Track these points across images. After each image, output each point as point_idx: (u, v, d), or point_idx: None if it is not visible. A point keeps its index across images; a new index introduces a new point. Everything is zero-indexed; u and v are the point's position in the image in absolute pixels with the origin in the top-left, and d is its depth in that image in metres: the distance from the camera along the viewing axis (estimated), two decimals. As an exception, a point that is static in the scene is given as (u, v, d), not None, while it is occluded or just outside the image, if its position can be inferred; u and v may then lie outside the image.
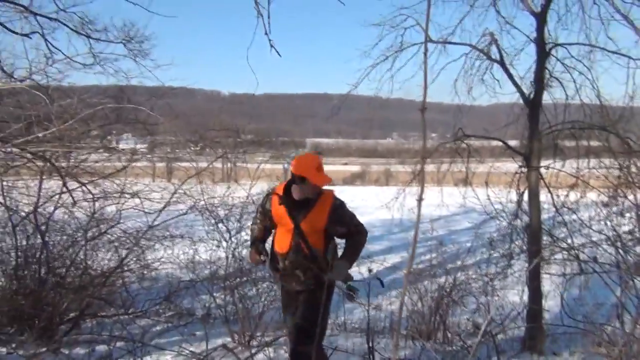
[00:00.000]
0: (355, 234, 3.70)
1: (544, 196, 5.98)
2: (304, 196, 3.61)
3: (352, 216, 3.70)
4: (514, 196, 6.35)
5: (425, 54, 1.67)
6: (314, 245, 3.61)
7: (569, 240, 6.00)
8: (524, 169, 5.90)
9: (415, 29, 6.22)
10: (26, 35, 7.13)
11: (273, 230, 3.87)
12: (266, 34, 2.53)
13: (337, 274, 3.53)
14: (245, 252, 5.98)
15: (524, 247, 6.24)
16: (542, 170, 5.90)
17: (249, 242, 4.36)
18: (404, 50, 6.34)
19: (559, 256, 5.93)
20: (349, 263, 3.63)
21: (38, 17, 7.28)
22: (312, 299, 3.64)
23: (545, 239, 5.94)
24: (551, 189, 6.09)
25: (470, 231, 8.53)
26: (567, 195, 6.08)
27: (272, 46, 2.61)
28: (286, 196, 3.65)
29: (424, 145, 2.02)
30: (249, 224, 4.43)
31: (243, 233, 5.69)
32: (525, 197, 5.98)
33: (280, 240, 3.72)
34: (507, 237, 6.39)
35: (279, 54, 2.70)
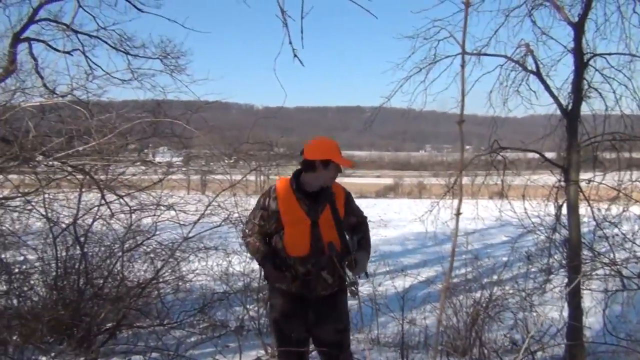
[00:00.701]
0: (363, 223, 3.52)
1: (583, 209, 5.82)
2: (321, 186, 3.29)
3: (358, 205, 3.56)
4: (551, 209, 6.21)
5: (462, 66, 1.65)
6: (333, 241, 3.28)
7: (611, 255, 5.81)
8: (562, 182, 5.77)
9: (449, 40, 6.19)
10: (68, 52, 7.42)
11: (277, 235, 3.35)
12: (290, 43, 2.56)
13: (361, 267, 3.30)
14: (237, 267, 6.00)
15: (563, 262, 6.07)
16: (582, 183, 5.75)
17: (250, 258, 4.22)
18: (437, 62, 6.31)
19: (600, 272, 5.75)
20: (368, 254, 3.43)
21: (79, 35, 7.57)
22: (341, 302, 3.43)
23: (586, 253, 5.77)
24: (591, 202, 5.92)
25: (506, 245, 8.37)
26: (608, 209, 5.90)
27: (295, 55, 2.66)
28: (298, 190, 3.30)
29: (462, 158, 2.00)
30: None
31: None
32: (564, 210, 5.84)
33: (296, 242, 3.27)
34: (545, 251, 6.23)
35: (302, 63, 2.74)
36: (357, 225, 3.49)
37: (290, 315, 3.38)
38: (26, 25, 7.09)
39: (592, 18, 5.71)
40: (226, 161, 7.09)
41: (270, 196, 3.33)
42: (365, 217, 3.56)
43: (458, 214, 1.75)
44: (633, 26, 5.61)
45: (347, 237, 3.39)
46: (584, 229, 5.93)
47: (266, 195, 3.37)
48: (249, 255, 5.37)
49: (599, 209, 5.86)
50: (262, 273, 3.61)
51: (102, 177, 5.38)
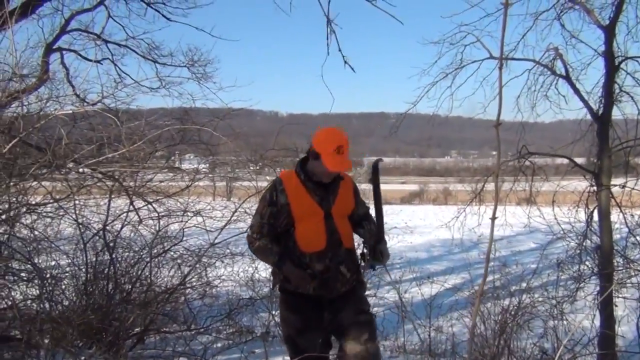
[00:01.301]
0: (368, 213, 3.42)
1: (615, 216, 5.69)
2: (333, 177, 3.11)
3: None
4: (582, 215, 6.08)
5: (500, 68, 1.63)
6: (347, 233, 3.20)
7: (643, 262, 5.67)
8: (594, 187, 5.65)
9: (475, 45, 6.13)
10: (98, 61, 7.57)
11: (287, 233, 3.11)
12: (340, 50, 2.64)
13: (385, 257, 3.20)
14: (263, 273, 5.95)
15: (595, 269, 5.93)
16: (614, 188, 5.63)
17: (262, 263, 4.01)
18: (464, 68, 6.26)
19: (634, 279, 5.61)
20: (385, 242, 3.27)
21: (109, 44, 7.73)
22: (359, 290, 3.26)
23: (618, 260, 5.64)
24: (623, 208, 5.79)
25: (535, 252, 8.22)
26: (641, 216, 5.76)
27: (345, 62, 2.81)
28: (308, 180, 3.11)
29: (498, 161, 1.99)
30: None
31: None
32: (595, 216, 5.72)
33: (310, 237, 3.05)
34: (575, 258, 6.11)
35: (353, 70, 2.93)
36: (365, 215, 3.39)
37: (306, 330, 3.06)
38: (58, 36, 7.26)
39: (623, 21, 5.62)
40: (252, 168, 7.15)
41: (277, 189, 3.07)
42: (369, 208, 3.47)
43: (494, 218, 1.74)
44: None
45: (360, 228, 3.33)
46: (616, 236, 5.80)
47: (272, 189, 3.11)
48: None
49: (632, 215, 5.73)
50: (275, 279, 3.26)
51: (131, 183, 5.47)
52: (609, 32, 5.41)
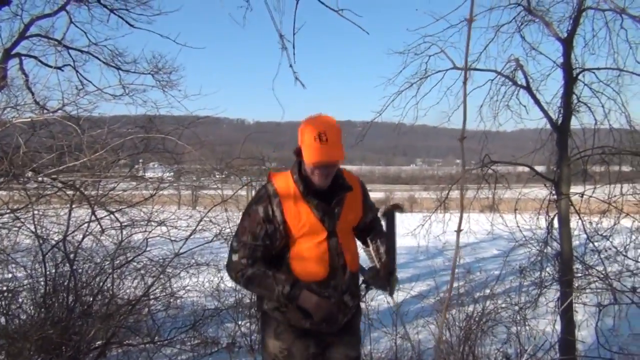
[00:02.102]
0: (376, 217, 2.80)
1: (574, 223, 5.85)
2: (328, 183, 2.48)
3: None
4: (543, 223, 6.23)
5: (464, 83, 1.66)
6: (354, 253, 2.63)
7: (603, 269, 5.84)
8: (554, 196, 5.81)
9: (439, 56, 6.26)
10: (59, 68, 7.40)
11: (283, 255, 2.50)
12: (290, 66, 2.58)
13: (394, 283, 2.71)
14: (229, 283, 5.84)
15: (555, 275, 6.08)
16: (572, 196, 5.79)
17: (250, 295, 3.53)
18: (428, 78, 6.38)
19: (592, 285, 5.77)
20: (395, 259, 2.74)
21: (71, 51, 7.57)
22: (357, 325, 2.78)
23: (578, 267, 5.79)
24: (582, 215, 5.96)
25: (498, 259, 8.36)
26: (599, 222, 5.94)
27: (296, 78, 2.68)
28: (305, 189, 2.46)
29: (463, 174, 2.03)
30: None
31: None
32: (555, 223, 5.87)
33: (309, 263, 2.45)
34: (537, 264, 6.25)
35: (303, 86, 2.78)
36: (373, 222, 2.78)
37: (294, 356, 2.58)
38: (17, 41, 7.07)
39: (580, 34, 5.83)
40: (217, 176, 7.07)
41: (272, 202, 2.42)
42: (377, 209, 2.84)
43: (459, 230, 1.77)
44: (622, 41, 5.71)
45: (366, 241, 2.79)
46: (575, 242, 5.96)
47: (265, 201, 2.43)
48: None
49: (590, 222, 5.90)
50: (262, 303, 2.63)
51: (93, 192, 5.34)
52: (567, 44, 5.58)
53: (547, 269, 6.19)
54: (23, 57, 7.44)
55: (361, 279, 2.70)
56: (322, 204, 2.45)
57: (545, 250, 6.10)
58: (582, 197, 5.80)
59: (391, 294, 2.75)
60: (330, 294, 2.48)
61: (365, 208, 2.68)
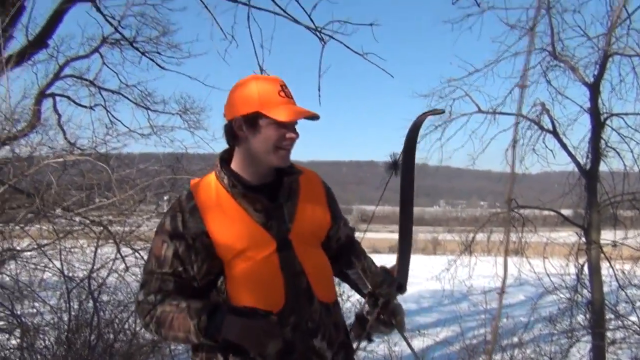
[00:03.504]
0: (357, 240, 1.98)
1: (605, 269, 5.70)
2: (269, 168, 1.68)
3: None
4: (571, 269, 6.09)
5: (513, 145, 1.62)
6: (322, 273, 1.74)
7: (635, 319, 5.63)
8: (583, 240, 5.69)
9: (464, 99, 6.28)
10: (91, 107, 7.62)
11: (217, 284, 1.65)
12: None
13: (400, 322, 1.72)
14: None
15: (587, 324, 5.89)
16: (602, 241, 5.66)
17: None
18: (453, 121, 6.40)
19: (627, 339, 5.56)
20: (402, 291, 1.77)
21: (102, 91, 7.80)
22: None
23: (610, 316, 5.60)
24: (613, 261, 5.81)
25: (526, 305, 8.14)
26: (631, 270, 5.77)
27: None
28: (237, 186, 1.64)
29: (507, 240, 1.81)
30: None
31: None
32: (585, 270, 5.72)
33: (256, 289, 1.62)
34: (567, 313, 6.07)
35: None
36: (349, 242, 1.94)
37: None
38: (52, 82, 7.32)
39: (607, 79, 5.80)
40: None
41: (184, 209, 1.63)
42: (355, 229, 2.01)
43: (502, 292, 1.47)
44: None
45: (347, 266, 1.88)
46: (606, 288, 5.79)
47: (175, 210, 1.65)
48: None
49: (622, 272, 5.74)
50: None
51: (119, 228, 5.39)
52: (594, 89, 5.56)
53: (578, 317, 6.00)
54: (57, 97, 7.69)
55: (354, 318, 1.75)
56: (263, 200, 1.64)
57: (575, 298, 5.93)
58: (614, 246, 5.66)
59: (401, 329, 1.77)
60: (290, 336, 1.60)
61: (333, 212, 1.82)
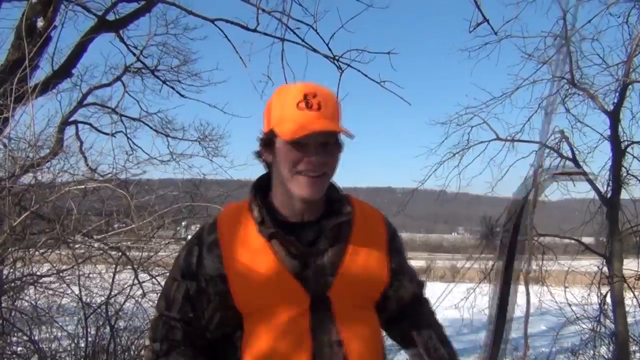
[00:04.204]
0: (425, 299, 1.59)
1: (628, 299, 5.57)
2: (310, 201, 1.33)
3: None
4: (594, 298, 5.96)
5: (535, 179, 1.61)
6: (367, 342, 1.35)
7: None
8: (604, 268, 5.58)
9: (482, 127, 6.28)
10: (112, 134, 7.75)
11: (227, 343, 1.34)
12: None
13: None
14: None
15: (609, 356, 5.74)
16: (625, 271, 5.54)
17: None
18: (471, 148, 6.39)
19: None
20: None
21: (123, 118, 7.95)
22: None
23: (634, 348, 5.46)
24: (636, 291, 5.68)
25: (547, 335, 7.96)
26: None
27: None
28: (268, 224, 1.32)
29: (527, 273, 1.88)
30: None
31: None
32: (608, 299, 5.60)
33: (277, 355, 1.28)
34: (589, 344, 5.92)
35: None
36: (415, 301, 1.53)
37: None
38: (75, 109, 7.49)
39: (627, 106, 5.77)
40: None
41: (203, 245, 1.36)
42: (424, 284, 1.62)
43: (526, 341, 1.38)
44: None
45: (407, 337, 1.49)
46: (630, 319, 5.65)
47: (193, 243, 1.39)
48: None
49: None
50: None
51: (137, 254, 5.43)
52: (614, 117, 5.52)
53: (601, 349, 5.85)
54: (79, 124, 7.84)
55: None
56: (298, 244, 1.30)
57: (598, 329, 5.79)
58: (638, 279, 5.54)
59: None
60: None
61: (396, 263, 1.43)
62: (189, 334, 1.35)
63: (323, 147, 1.29)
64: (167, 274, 1.52)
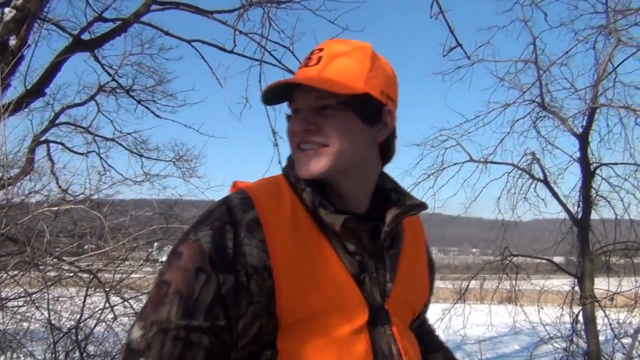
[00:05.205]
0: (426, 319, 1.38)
1: (600, 319, 5.66)
2: (359, 197, 1.05)
3: None
4: (566, 318, 6.05)
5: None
6: None
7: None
8: (576, 288, 5.68)
9: (455, 149, 6.39)
10: (84, 154, 7.63)
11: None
12: (279, 162, 2.60)
13: None
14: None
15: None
16: (596, 291, 5.65)
17: None
18: (445, 170, 6.48)
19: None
20: None
21: (96, 138, 7.84)
22: None
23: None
24: (607, 309, 5.78)
25: (521, 355, 8.02)
26: (626, 320, 5.74)
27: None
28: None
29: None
30: None
31: None
32: (580, 318, 5.68)
33: None
34: (563, 363, 5.99)
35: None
36: (424, 320, 1.36)
37: None
38: (47, 129, 7.37)
39: (595, 129, 5.94)
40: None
41: (239, 225, 0.93)
42: None
43: None
44: (637, 136, 5.79)
45: None
46: (602, 337, 5.74)
47: (220, 221, 0.94)
48: None
49: (618, 322, 5.71)
50: None
51: (109, 276, 5.32)
52: (583, 139, 5.67)
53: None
54: (50, 143, 7.71)
55: None
56: (363, 236, 1.00)
57: (571, 348, 5.86)
58: (611, 300, 5.64)
59: None
60: None
61: (431, 280, 1.27)
62: (214, 354, 0.89)
63: (316, 112, 0.99)
64: (141, 296, 1.10)
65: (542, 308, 6.21)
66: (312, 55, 1.03)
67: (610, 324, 5.62)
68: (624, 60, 5.71)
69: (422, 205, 1.07)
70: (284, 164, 1.10)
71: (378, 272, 1.01)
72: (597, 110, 5.68)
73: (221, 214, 0.95)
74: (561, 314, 6.03)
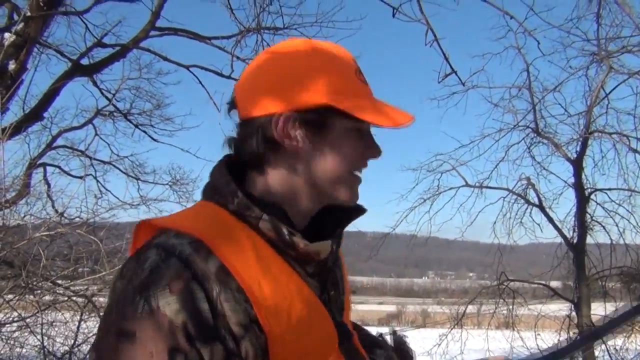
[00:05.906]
0: None
1: (597, 344, 5.62)
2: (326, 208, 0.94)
3: None
4: (563, 343, 6.00)
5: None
6: None
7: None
8: (573, 312, 5.66)
9: (451, 173, 6.44)
10: (81, 177, 7.63)
11: None
12: None
13: None
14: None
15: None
16: (593, 316, 5.63)
17: None
18: (441, 194, 6.52)
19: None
20: None
21: (93, 161, 7.86)
22: None
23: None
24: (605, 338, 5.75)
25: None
26: (623, 346, 5.71)
27: None
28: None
29: None
30: None
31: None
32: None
33: None
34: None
35: None
36: None
37: None
38: (44, 152, 7.38)
39: (589, 155, 5.98)
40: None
41: (207, 279, 0.74)
42: None
43: None
44: (631, 162, 5.85)
45: None
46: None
47: (183, 284, 0.72)
48: None
49: (615, 349, 5.67)
50: None
51: (103, 300, 5.28)
52: (577, 165, 5.72)
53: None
54: (47, 166, 7.72)
55: None
56: (312, 268, 0.89)
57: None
58: (614, 338, 5.60)
59: None
60: None
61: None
62: None
63: None
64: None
65: (539, 334, 6.18)
66: (362, 75, 0.91)
67: (608, 350, 5.58)
68: (615, 87, 5.80)
69: (362, 209, 0.97)
70: None
71: (334, 289, 0.93)
72: (591, 136, 5.75)
73: (177, 270, 0.74)
74: (559, 340, 6.00)
